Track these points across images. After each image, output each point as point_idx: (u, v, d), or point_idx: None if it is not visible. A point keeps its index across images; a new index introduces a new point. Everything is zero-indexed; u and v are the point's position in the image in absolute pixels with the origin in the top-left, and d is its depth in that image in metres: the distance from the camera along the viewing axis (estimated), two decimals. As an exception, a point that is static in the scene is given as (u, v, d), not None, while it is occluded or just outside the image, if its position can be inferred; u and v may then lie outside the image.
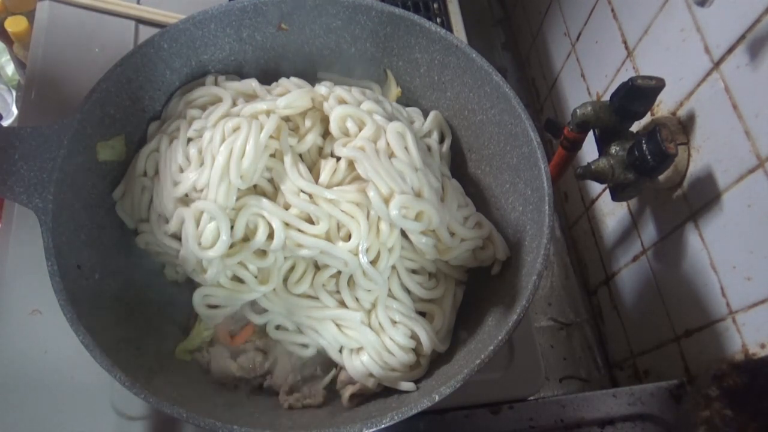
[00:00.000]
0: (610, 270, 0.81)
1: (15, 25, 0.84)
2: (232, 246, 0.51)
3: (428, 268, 0.57)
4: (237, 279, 0.53)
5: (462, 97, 0.61)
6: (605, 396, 0.60)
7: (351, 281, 0.54)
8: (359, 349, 0.54)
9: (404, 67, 0.64)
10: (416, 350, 0.55)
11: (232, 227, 0.50)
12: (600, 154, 0.62)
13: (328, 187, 0.52)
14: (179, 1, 0.80)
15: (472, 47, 0.58)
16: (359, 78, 0.65)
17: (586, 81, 0.82)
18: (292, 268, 0.54)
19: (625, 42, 0.71)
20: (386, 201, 0.50)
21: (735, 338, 0.57)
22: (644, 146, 0.56)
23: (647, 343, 0.73)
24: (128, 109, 0.58)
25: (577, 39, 0.83)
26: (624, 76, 0.71)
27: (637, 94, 0.57)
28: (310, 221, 0.51)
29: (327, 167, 0.53)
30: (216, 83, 0.60)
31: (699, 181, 0.59)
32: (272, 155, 0.53)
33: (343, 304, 0.54)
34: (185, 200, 0.52)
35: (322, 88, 0.56)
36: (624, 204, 0.75)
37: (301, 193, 0.52)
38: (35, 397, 0.58)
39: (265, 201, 0.51)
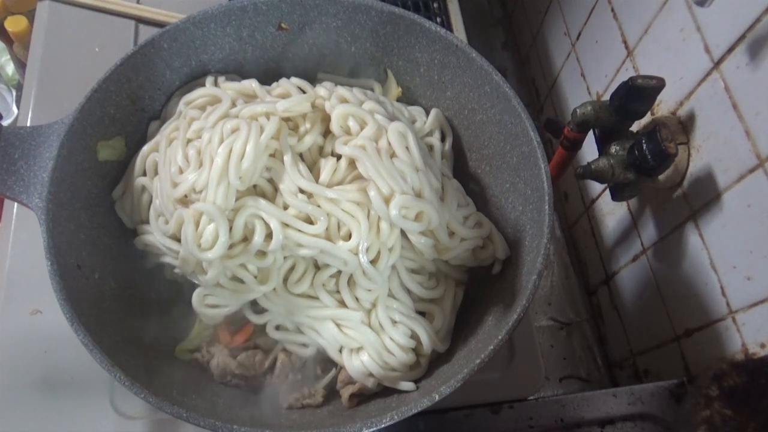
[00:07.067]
0: (610, 270, 0.81)
1: (15, 24, 0.84)
2: (231, 247, 0.51)
3: (428, 268, 0.57)
4: (236, 279, 0.53)
5: (462, 97, 0.61)
6: (605, 396, 0.60)
7: (351, 281, 0.54)
8: (359, 349, 0.54)
9: (404, 66, 0.64)
10: (416, 350, 0.55)
11: (231, 228, 0.50)
12: (600, 154, 0.62)
13: (329, 186, 0.52)
14: (179, 1, 0.80)
15: (472, 47, 0.57)
16: (359, 77, 0.65)
17: (586, 81, 0.82)
18: (292, 268, 0.54)
19: (625, 42, 0.71)
20: (387, 201, 0.50)
21: (735, 338, 0.57)
22: (644, 146, 0.56)
23: (647, 342, 0.73)
24: (128, 109, 0.58)
25: (577, 39, 0.83)
26: (624, 76, 0.70)
27: (637, 93, 0.57)
28: (309, 221, 0.51)
29: (327, 166, 0.53)
30: (216, 84, 0.60)
31: (699, 181, 0.59)
32: (272, 155, 0.53)
33: (343, 303, 0.54)
34: (185, 201, 0.52)
35: (322, 90, 0.55)
36: (624, 204, 0.75)
37: (299, 193, 0.51)
38: (35, 396, 0.58)
39: (262, 201, 0.51)
